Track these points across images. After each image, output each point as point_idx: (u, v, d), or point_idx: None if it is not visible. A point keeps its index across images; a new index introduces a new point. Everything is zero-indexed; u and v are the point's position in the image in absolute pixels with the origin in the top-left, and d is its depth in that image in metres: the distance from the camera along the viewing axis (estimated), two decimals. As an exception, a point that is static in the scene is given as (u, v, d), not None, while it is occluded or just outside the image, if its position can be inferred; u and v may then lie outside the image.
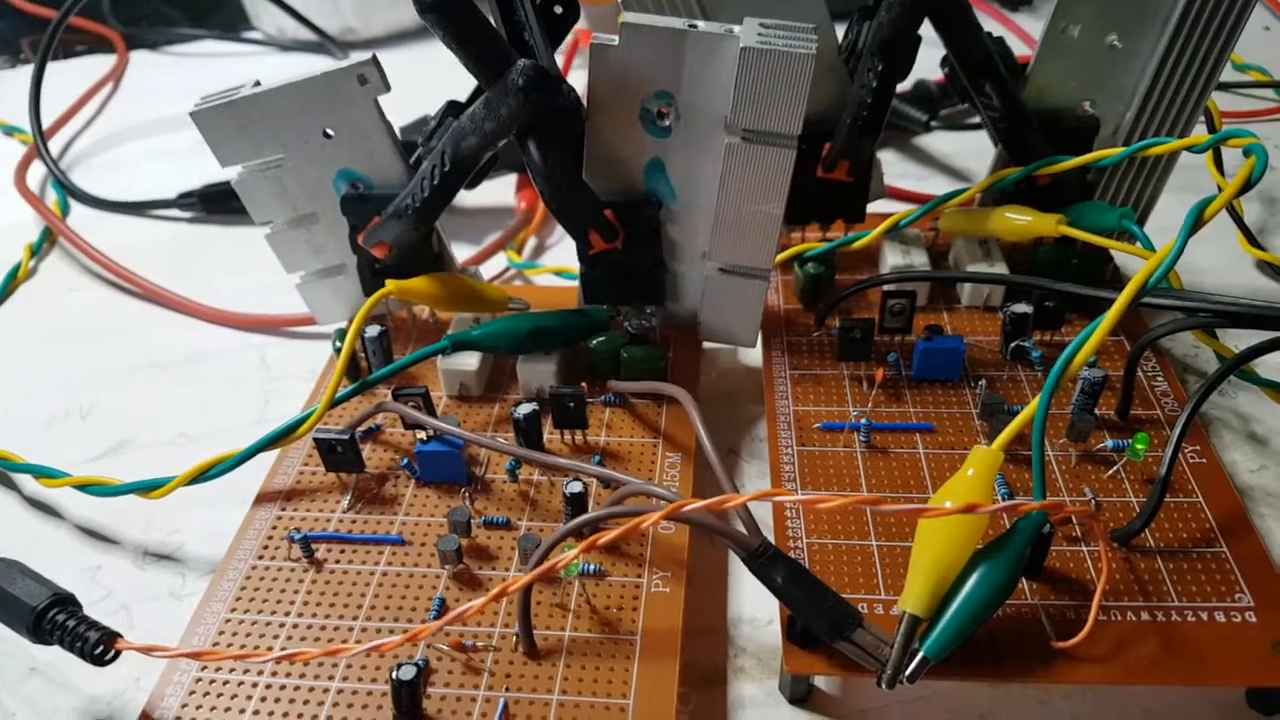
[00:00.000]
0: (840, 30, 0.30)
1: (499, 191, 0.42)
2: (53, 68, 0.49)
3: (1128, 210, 0.27)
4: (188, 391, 0.33)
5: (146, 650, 0.20)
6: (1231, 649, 0.20)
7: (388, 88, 0.26)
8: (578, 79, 0.26)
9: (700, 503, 0.19)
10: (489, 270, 0.38)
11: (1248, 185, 0.21)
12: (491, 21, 0.25)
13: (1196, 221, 0.21)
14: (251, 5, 0.61)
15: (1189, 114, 0.29)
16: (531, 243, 0.40)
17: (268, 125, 0.27)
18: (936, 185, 0.41)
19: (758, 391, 0.30)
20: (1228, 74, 0.48)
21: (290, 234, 0.29)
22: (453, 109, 0.28)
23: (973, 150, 0.43)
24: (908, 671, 0.19)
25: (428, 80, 0.35)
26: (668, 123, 0.25)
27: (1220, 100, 0.46)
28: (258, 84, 0.27)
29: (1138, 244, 0.27)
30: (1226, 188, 0.21)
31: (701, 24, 0.24)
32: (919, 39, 0.28)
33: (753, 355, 0.32)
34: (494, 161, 0.27)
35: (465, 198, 0.43)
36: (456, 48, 0.23)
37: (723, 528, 0.21)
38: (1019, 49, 0.29)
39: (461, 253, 0.37)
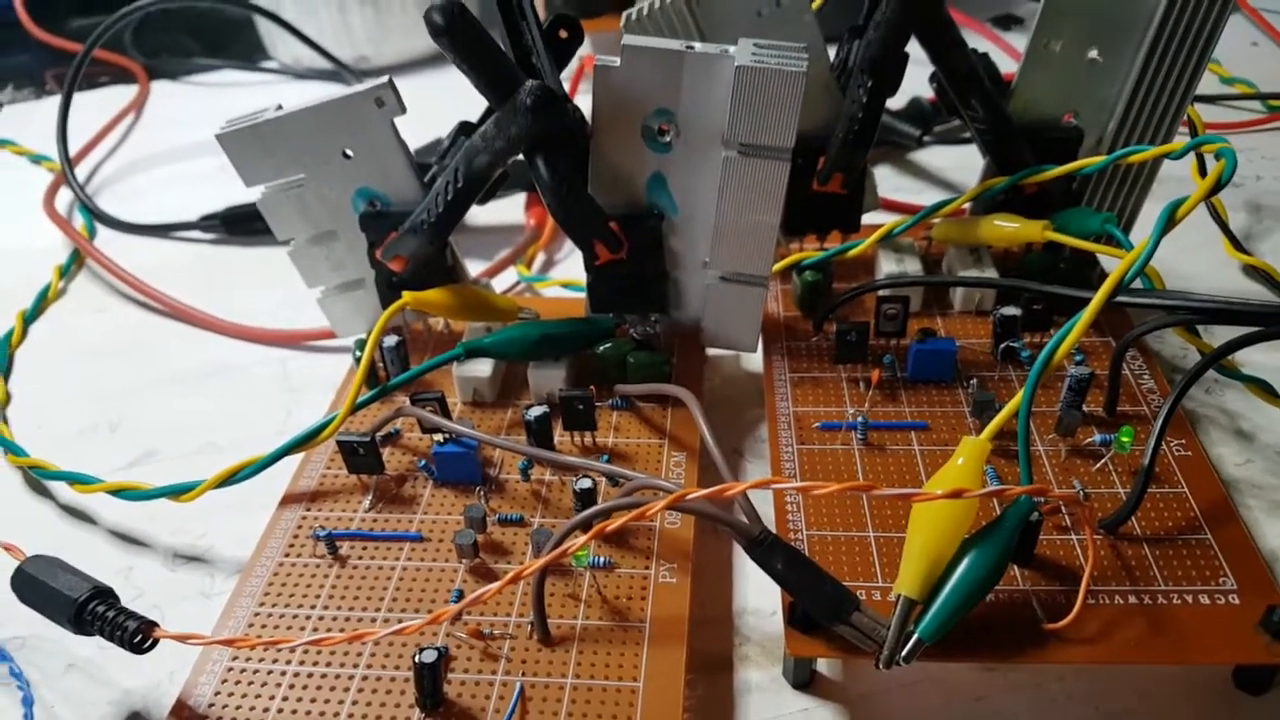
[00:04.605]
0: (830, 54, 0.31)
1: (509, 210, 0.44)
2: (77, 98, 0.51)
3: (1110, 215, 0.28)
4: (212, 404, 0.34)
5: (182, 638, 0.21)
6: (1216, 629, 0.21)
7: (404, 109, 0.28)
8: (583, 103, 0.27)
9: (702, 491, 0.20)
10: (500, 285, 0.39)
11: (1218, 186, 0.22)
12: (501, 45, 0.26)
13: (1170, 220, 0.22)
14: (268, 35, 0.63)
15: (1169, 123, 0.30)
16: (540, 258, 0.41)
17: (290, 147, 0.28)
18: (930, 198, 0.42)
19: (759, 396, 0.31)
20: (1216, 87, 0.49)
21: (311, 250, 0.31)
22: (465, 129, 0.30)
23: (965, 164, 0.45)
24: (904, 652, 0.20)
25: (438, 106, 0.36)
26: (668, 139, 0.27)
27: (1208, 112, 0.48)
28: (280, 107, 0.28)
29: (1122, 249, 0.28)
30: (1199, 188, 0.22)
31: (698, 45, 0.25)
32: (907, 56, 0.29)
33: (754, 362, 0.33)
34: (505, 178, 0.29)
35: (477, 216, 0.44)
36: (468, 70, 0.25)
37: (725, 517, 0.22)
38: (1011, 67, 0.31)
39: (474, 268, 0.39)
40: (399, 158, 0.29)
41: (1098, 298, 0.21)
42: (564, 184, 0.27)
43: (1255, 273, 0.35)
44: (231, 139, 0.28)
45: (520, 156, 0.27)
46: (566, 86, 0.27)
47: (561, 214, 0.28)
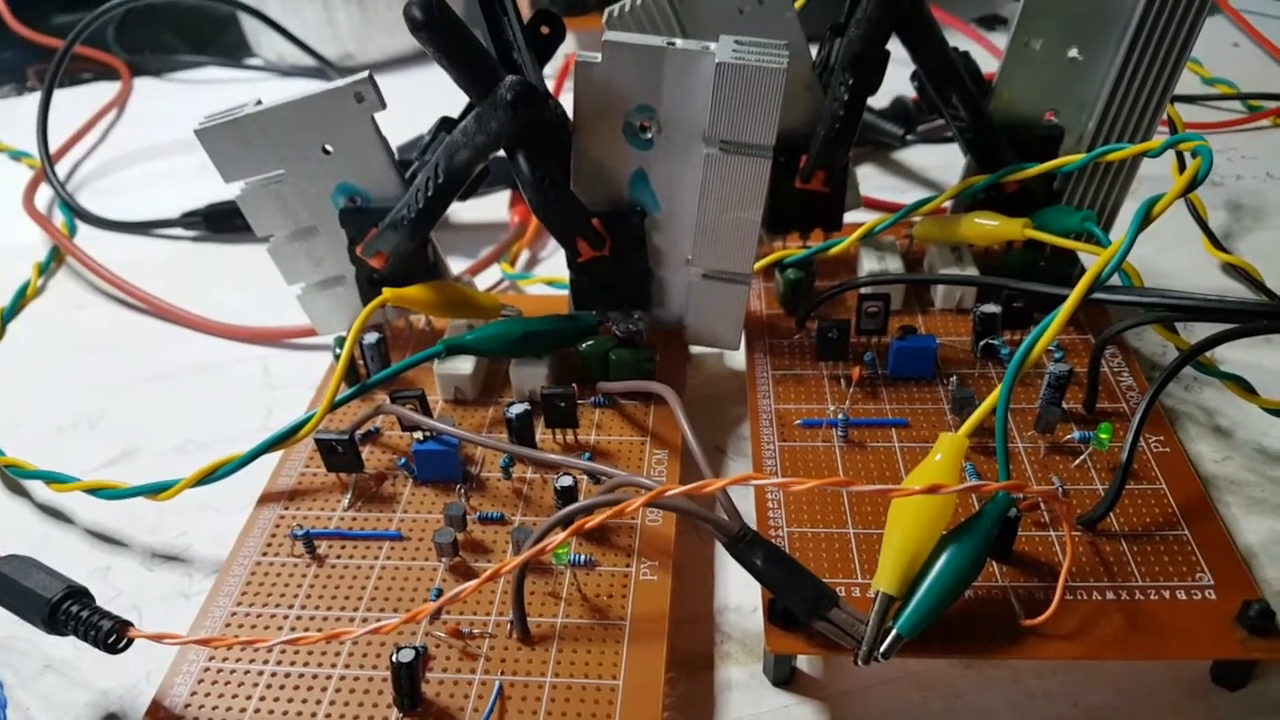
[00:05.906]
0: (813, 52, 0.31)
1: (492, 207, 0.44)
2: (59, 95, 0.51)
3: (1090, 212, 0.28)
4: (193, 401, 0.34)
5: (157, 638, 0.21)
6: (1193, 625, 0.21)
7: (383, 105, 0.28)
8: (566, 102, 0.27)
9: (682, 488, 0.20)
10: (483, 282, 0.39)
11: (1194, 182, 0.22)
12: (481, 41, 0.26)
13: (1146, 216, 0.22)
14: (252, 33, 0.63)
15: (1149, 122, 0.30)
16: (524, 255, 0.41)
17: (269, 142, 0.28)
18: (913, 198, 0.42)
19: (742, 394, 0.31)
20: (1197, 88, 0.50)
21: (291, 247, 0.30)
22: (445, 124, 0.30)
23: (948, 164, 0.45)
24: (882, 648, 0.20)
25: (422, 103, 0.36)
26: (650, 135, 0.27)
27: (1189, 112, 0.48)
28: (259, 103, 0.28)
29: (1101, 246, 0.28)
30: (1175, 184, 0.22)
31: (680, 41, 0.25)
32: (888, 54, 0.29)
33: (737, 360, 0.33)
34: (486, 174, 0.28)
35: (460, 213, 0.44)
36: (448, 65, 0.25)
37: (705, 513, 0.22)
38: (995, 66, 0.31)
39: (457, 266, 0.38)
40: (379, 153, 0.29)
41: (1075, 293, 0.22)
42: (545, 180, 0.27)
43: (1235, 271, 0.35)
44: (210, 134, 0.28)
45: (502, 153, 0.27)
46: (551, 86, 0.27)
47: (543, 211, 0.28)
